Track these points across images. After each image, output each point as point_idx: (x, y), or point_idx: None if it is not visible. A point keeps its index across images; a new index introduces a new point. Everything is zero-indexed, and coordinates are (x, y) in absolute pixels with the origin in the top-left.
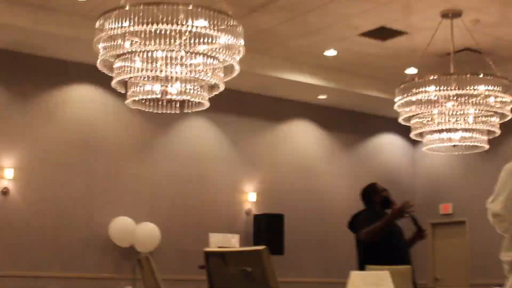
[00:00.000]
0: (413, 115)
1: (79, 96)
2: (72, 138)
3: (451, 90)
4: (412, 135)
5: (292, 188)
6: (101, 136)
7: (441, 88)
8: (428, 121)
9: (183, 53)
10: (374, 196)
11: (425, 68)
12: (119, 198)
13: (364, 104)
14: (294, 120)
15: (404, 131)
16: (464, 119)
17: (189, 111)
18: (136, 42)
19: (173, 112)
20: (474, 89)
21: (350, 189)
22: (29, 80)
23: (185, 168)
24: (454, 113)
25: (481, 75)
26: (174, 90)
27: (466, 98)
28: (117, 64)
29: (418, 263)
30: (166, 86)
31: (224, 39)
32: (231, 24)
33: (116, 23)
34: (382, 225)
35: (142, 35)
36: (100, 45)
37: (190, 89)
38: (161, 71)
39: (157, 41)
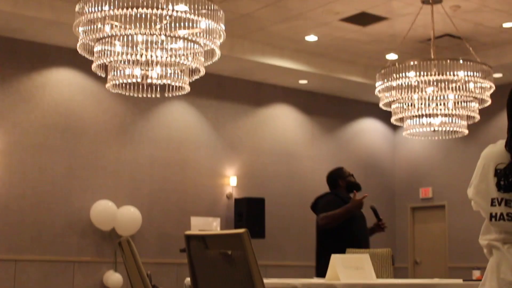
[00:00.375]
0: (393, 100)
1: (59, 79)
2: (52, 122)
3: (431, 75)
4: (392, 120)
5: (273, 172)
6: (82, 119)
7: (421, 73)
8: (408, 106)
9: (163, 37)
10: (340, 180)
11: (406, 54)
12: (100, 181)
13: (344, 89)
14: (275, 104)
15: (384, 116)
16: (444, 105)
17: (170, 95)
18: (116, 26)
19: (153, 96)
20: (454, 75)
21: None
22: (8, 63)
23: (166, 152)
24: (434, 98)
25: (461, 61)
26: (154, 74)
27: (446, 83)
28: (97, 48)
29: (398, 246)
30: (147, 70)
31: (204, 23)
32: (212, 8)
33: (96, 7)
34: (340, 213)
35: (122, 19)
36: (80, 29)
37: (170, 73)
38: (141, 55)
39: (138, 25)
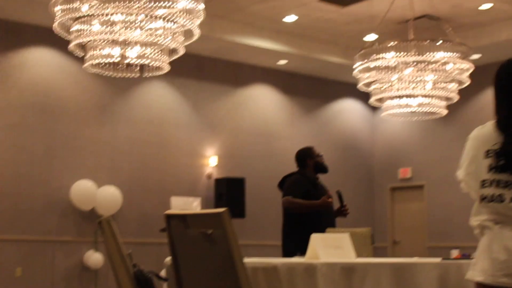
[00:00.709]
0: (372, 81)
1: (36, 59)
2: (30, 101)
3: (410, 56)
4: (371, 100)
5: (252, 152)
6: (60, 99)
7: (400, 54)
8: (387, 87)
9: (142, 16)
10: (308, 160)
11: (385, 35)
12: (79, 161)
13: (324, 70)
14: (254, 85)
15: (363, 96)
16: (423, 85)
17: (149, 75)
18: (94, 5)
19: (132, 76)
20: (433, 56)
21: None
22: None
23: (146, 132)
24: (413, 79)
25: (440, 42)
26: (133, 54)
27: (425, 64)
28: (75, 27)
29: (378, 226)
30: (125, 50)
31: (183, 3)
32: None
33: None
34: (305, 206)
35: None
36: (57, 8)
37: (149, 53)
38: (119, 34)
39: (116, 4)
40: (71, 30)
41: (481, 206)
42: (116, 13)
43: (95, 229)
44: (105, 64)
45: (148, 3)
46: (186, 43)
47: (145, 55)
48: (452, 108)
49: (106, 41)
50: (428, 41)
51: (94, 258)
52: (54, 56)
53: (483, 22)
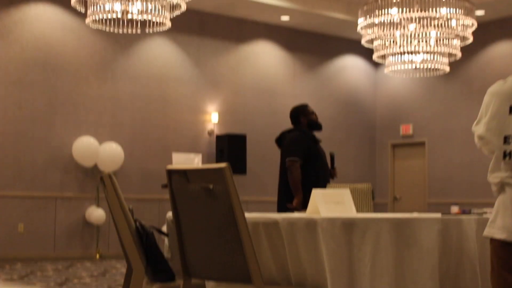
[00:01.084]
0: (375, 37)
1: (38, 14)
2: (32, 57)
3: (413, 12)
4: (374, 57)
5: (254, 108)
6: (61, 55)
7: (404, 10)
8: (390, 43)
9: None
10: (301, 117)
11: None
12: (81, 118)
13: (327, 26)
14: (256, 41)
15: (366, 53)
16: (426, 42)
17: (151, 31)
18: None
19: (134, 32)
20: (437, 12)
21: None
22: None
23: (147, 89)
24: (416, 35)
25: None
26: (135, 9)
27: (429, 20)
28: None
29: (378, 183)
30: (127, 6)
31: None
32: None
33: None
34: (295, 187)
35: None
36: None
37: (151, 8)
38: None
39: None
40: None
41: (504, 163)
42: None
43: (97, 185)
44: (107, 20)
45: None
46: None
47: (147, 11)
48: (455, 65)
49: None
50: None
51: (96, 214)
52: (56, 12)
53: None
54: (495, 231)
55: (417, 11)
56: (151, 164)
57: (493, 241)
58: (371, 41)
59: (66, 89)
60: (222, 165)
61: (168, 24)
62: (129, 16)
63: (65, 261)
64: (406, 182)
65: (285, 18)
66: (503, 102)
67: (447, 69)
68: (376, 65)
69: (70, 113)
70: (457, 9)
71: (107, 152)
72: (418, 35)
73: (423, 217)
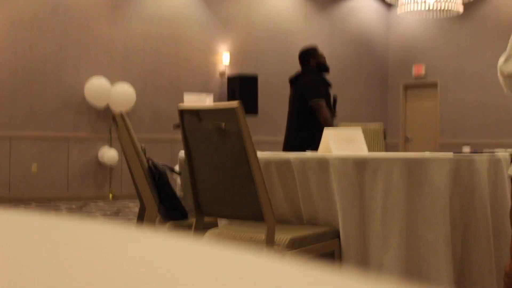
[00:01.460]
0: None
1: None
2: None
3: None
4: None
5: (266, 49)
6: None
7: None
8: None
9: None
10: (311, 59)
11: None
12: (92, 59)
13: None
14: None
15: None
16: None
17: None
18: None
19: None
20: None
21: (325, 50)
22: None
23: (159, 29)
24: None
25: None
26: None
27: None
28: None
29: (390, 123)
30: None
31: None
32: None
33: None
34: (328, 123)
35: None
36: None
37: None
38: None
39: None
40: None
41: None
42: None
43: (110, 125)
44: None
45: None
46: None
47: None
48: (468, 6)
49: None
50: None
51: (109, 154)
52: None
53: None
54: None
55: None
56: (163, 105)
57: None
58: None
59: (77, 29)
60: (234, 104)
61: None
62: None
63: (78, 201)
64: (418, 122)
65: None
66: None
67: (461, 9)
68: (389, 5)
69: (81, 54)
70: None
71: (119, 93)
72: None
73: (435, 156)
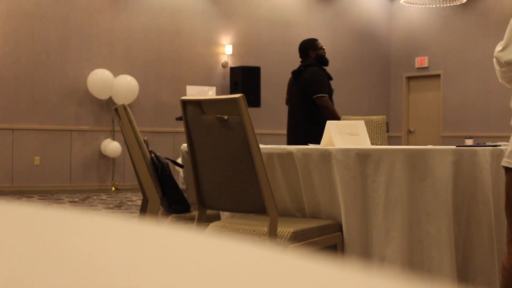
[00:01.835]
0: None
1: None
2: None
3: None
4: None
5: (268, 40)
6: None
7: None
8: None
9: None
10: (310, 51)
11: None
12: (95, 50)
13: None
14: None
15: None
16: None
17: None
18: None
19: None
20: None
21: (327, 41)
22: None
23: (161, 21)
24: None
25: None
26: None
27: None
28: None
29: (393, 115)
30: None
31: None
32: None
33: None
34: (333, 117)
35: None
36: None
37: None
38: None
39: None
40: None
41: None
42: None
43: (113, 118)
44: None
45: None
46: None
47: None
48: None
49: None
50: None
51: (112, 146)
52: None
53: None
54: None
55: None
56: (165, 97)
57: (510, 172)
58: None
59: (79, 21)
60: (237, 95)
61: None
62: None
63: (81, 194)
64: (421, 115)
65: None
66: None
67: None
68: None
69: (83, 46)
70: None
71: (121, 85)
72: None
73: (438, 148)
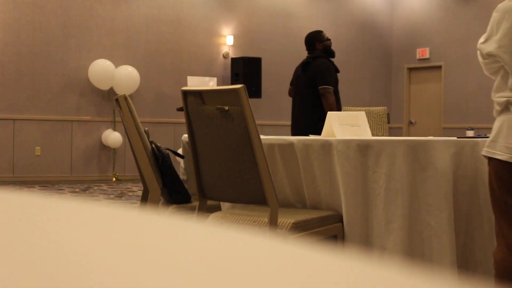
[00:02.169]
0: None
1: None
2: None
3: None
4: None
5: (269, 31)
6: None
7: None
8: None
9: None
10: (317, 43)
11: None
12: (96, 40)
13: None
14: None
15: None
16: None
17: None
18: None
19: None
20: None
21: (328, 32)
22: None
23: (162, 11)
24: None
25: None
26: None
27: None
28: None
29: (394, 107)
30: None
31: None
32: None
33: None
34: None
35: None
36: None
37: None
38: None
39: None
40: None
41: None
42: None
43: (114, 108)
44: None
45: None
46: None
47: None
48: None
49: None
50: None
51: (113, 137)
52: None
53: None
54: (496, 151)
55: None
56: (166, 88)
57: (493, 161)
58: None
59: (79, 11)
60: (238, 86)
61: None
62: None
63: (82, 184)
64: (422, 106)
65: None
66: None
67: None
68: None
69: (84, 35)
70: None
71: (123, 76)
72: None
73: (438, 140)
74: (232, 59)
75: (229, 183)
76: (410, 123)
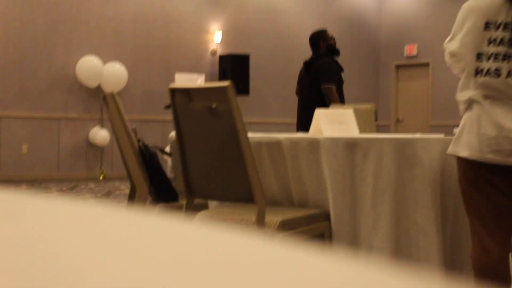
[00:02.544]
0: None
1: None
2: None
3: None
4: None
5: (258, 28)
6: None
7: None
8: None
9: None
10: (321, 42)
11: None
12: (83, 37)
13: None
14: None
15: None
16: None
17: None
18: None
19: None
20: None
21: (316, 28)
22: None
23: (150, 7)
24: None
25: None
26: None
27: None
28: None
29: (382, 104)
30: None
31: None
32: None
33: None
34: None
35: None
36: None
37: None
38: None
39: None
40: None
41: (475, 81)
42: None
43: (101, 106)
44: None
45: None
46: None
47: None
48: None
49: None
50: None
51: (100, 135)
52: None
53: None
54: (459, 149)
55: None
56: (154, 85)
57: (459, 159)
58: None
59: (67, 6)
60: (225, 83)
61: None
62: None
63: (69, 182)
64: (410, 103)
65: None
66: (479, 18)
67: None
68: None
69: (72, 32)
70: None
71: (111, 72)
72: None
73: (426, 138)
74: (220, 55)
75: (216, 181)
76: (398, 120)
